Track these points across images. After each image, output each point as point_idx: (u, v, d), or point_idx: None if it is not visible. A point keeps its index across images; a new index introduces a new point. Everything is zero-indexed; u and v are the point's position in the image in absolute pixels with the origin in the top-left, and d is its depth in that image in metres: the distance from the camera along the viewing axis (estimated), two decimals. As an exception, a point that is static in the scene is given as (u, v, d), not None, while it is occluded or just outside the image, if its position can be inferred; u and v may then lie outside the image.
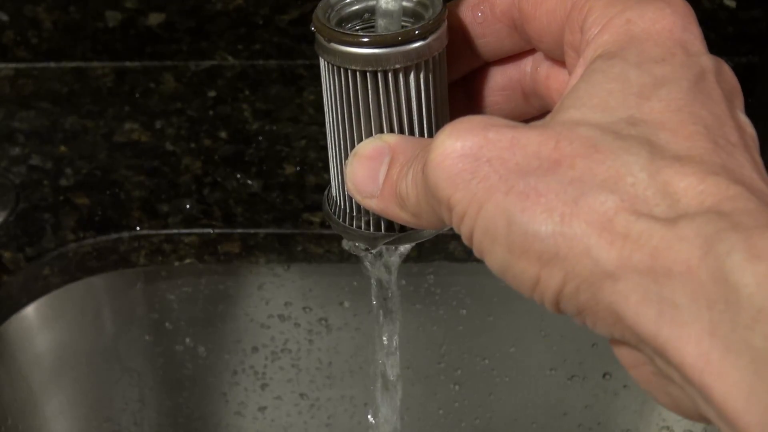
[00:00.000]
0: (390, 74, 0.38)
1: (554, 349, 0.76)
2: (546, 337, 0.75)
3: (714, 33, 0.79)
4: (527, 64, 0.41)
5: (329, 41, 0.38)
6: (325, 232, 0.70)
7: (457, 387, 0.78)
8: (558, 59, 0.39)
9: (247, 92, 0.79)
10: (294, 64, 0.81)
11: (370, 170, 0.38)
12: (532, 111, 0.42)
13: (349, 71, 0.38)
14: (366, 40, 0.38)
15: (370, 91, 0.39)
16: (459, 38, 0.40)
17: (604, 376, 0.77)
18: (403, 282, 0.73)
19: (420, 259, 0.71)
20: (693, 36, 0.34)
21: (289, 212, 0.70)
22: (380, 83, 0.38)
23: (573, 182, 0.31)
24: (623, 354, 0.32)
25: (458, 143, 0.32)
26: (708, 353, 0.28)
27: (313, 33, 0.39)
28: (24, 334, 0.71)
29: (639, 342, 0.30)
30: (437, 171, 0.33)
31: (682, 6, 0.35)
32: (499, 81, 0.42)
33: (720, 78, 0.34)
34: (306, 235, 0.70)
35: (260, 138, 0.75)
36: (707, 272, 0.28)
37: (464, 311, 0.75)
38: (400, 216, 0.37)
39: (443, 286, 0.74)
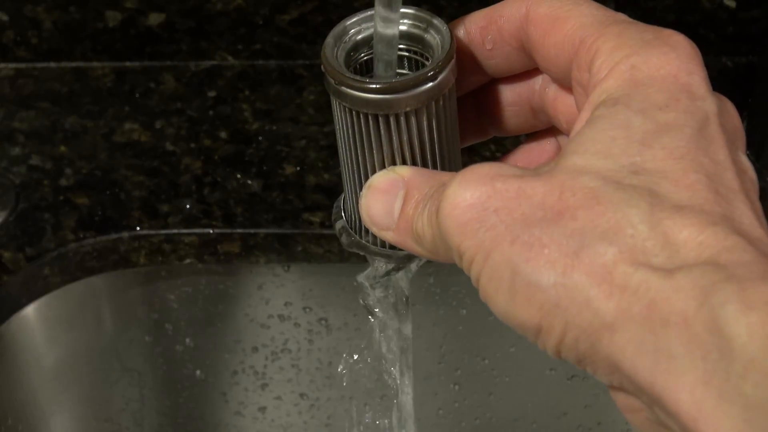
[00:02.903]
0: (402, 116, 0.38)
1: (554, 349, 0.76)
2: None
3: (714, 33, 0.79)
4: (536, 82, 0.41)
5: (339, 84, 0.38)
6: (325, 232, 0.70)
7: (457, 387, 0.78)
8: (566, 86, 0.39)
9: (247, 92, 0.79)
10: (294, 64, 0.81)
11: (384, 203, 0.38)
12: (540, 125, 0.42)
13: (360, 114, 0.38)
14: (376, 86, 0.38)
15: (381, 131, 0.39)
16: (467, 58, 0.40)
17: (604, 376, 0.77)
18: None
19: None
20: (698, 79, 0.34)
21: (289, 212, 0.70)
22: (392, 125, 0.38)
23: (574, 234, 0.31)
24: (620, 399, 0.32)
25: (467, 193, 0.33)
26: (702, 402, 0.28)
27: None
28: (24, 334, 0.71)
29: (636, 390, 0.31)
30: (448, 220, 0.34)
31: (687, 49, 0.35)
32: (508, 97, 0.42)
33: (723, 120, 0.34)
34: (306, 235, 0.70)
35: (260, 138, 0.75)
36: (702, 323, 0.29)
37: (464, 311, 0.75)
38: (417, 250, 0.38)
39: (443, 286, 0.74)
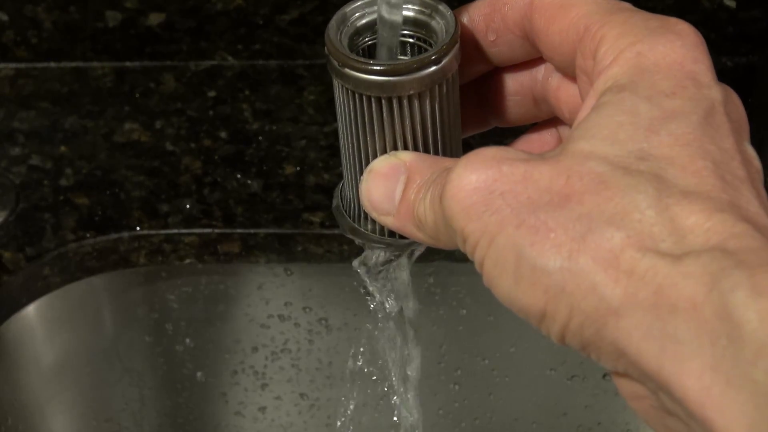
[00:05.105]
0: (405, 100, 0.38)
1: (554, 349, 0.76)
2: (546, 337, 0.75)
3: (714, 33, 0.79)
4: (539, 72, 0.41)
5: (343, 66, 0.38)
6: (325, 232, 0.70)
7: (457, 387, 0.78)
8: (569, 74, 0.39)
9: (247, 92, 0.79)
10: (294, 64, 0.81)
11: (385, 188, 0.38)
12: (542, 115, 0.42)
13: (363, 96, 0.38)
14: (380, 68, 0.37)
15: (384, 115, 0.38)
16: (470, 46, 0.40)
17: (604, 376, 0.77)
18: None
19: (420, 259, 0.71)
20: (704, 67, 0.34)
21: (289, 212, 0.70)
22: (395, 108, 0.38)
23: (581, 218, 0.31)
24: (624, 386, 0.32)
25: (473, 176, 0.33)
26: (709, 388, 0.28)
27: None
28: (24, 334, 0.71)
29: (642, 376, 0.30)
30: (452, 203, 0.33)
31: (692, 37, 0.35)
32: (510, 86, 0.42)
33: (728, 109, 0.34)
34: (306, 235, 0.70)
35: (260, 138, 0.75)
36: (711, 309, 0.29)
37: (464, 311, 0.75)
38: (418, 236, 0.38)
39: (443, 286, 0.74)
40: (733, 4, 0.78)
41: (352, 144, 0.40)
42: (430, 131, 0.39)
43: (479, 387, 0.78)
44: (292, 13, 0.79)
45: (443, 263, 0.72)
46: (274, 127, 0.76)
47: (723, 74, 0.78)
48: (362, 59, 0.38)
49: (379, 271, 0.45)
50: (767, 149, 0.72)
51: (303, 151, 0.74)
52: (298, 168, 0.73)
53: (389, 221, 0.38)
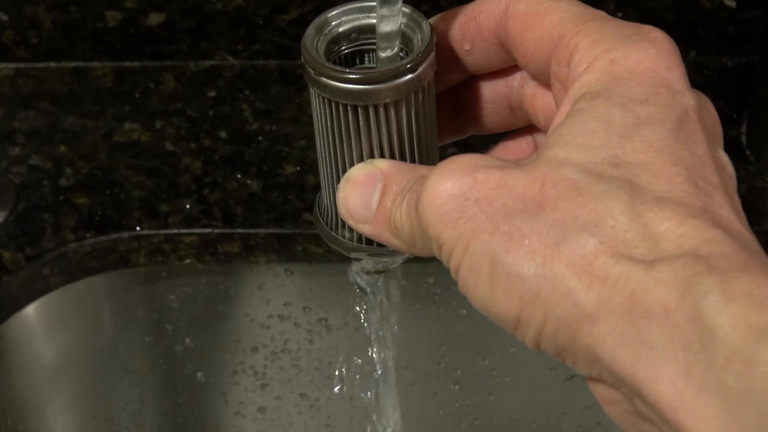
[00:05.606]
0: (381, 108, 0.38)
1: (554, 349, 0.76)
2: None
3: (714, 33, 0.79)
4: (515, 79, 0.41)
5: (319, 75, 0.38)
6: (325, 232, 0.70)
7: (457, 387, 0.78)
8: (544, 82, 0.39)
9: (247, 92, 0.79)
10: (294, 64, 0.81)
11: (362, 196, 0.38)
12: (518, 123, 0.42)
13: (339, 105, 0.38)
14: (356, 76, 0.38)
15: (360, 123, 0.39)
16: (446, 54, 0.40)
17: (604, 376, 0.77)
18: (404, 282, 0.73)
19: (420, 259, 0.71)
20: (677, 74, 0.35)
21: (289, 212, 0.70)
22: (371, 116, 0.38)
23: (555, 224, 0.31)
24: (598, 391, 0.32)
25: (448, 183, 0.33)
26: (682, 393, 0.28)
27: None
28: (24, 334, 0.71)
29: (616, 381, 0.31)
30: (428, 210, 0.34)
31: (666, 44, 0.35)
32: (486, 94, 0.42)
33: (702, 115, 0.34)
34: (306, 235, 0.70)
35: (260, 138, 0.75)
36: (684, 314, 0.29)
37: (464, 311, 0.75)
38: (394, 243, 0.38)
39: (443, 286, 0.74)
40: (733, 4, 0.78)
41: (329, 152, 0.40)
42: (406, 139, 0.39)
43: (479, 387, 0.78)
44: (292, 13, 0.79)
45: (443, 263, 0.71)
46: (274, 127, 0.76)
47: (723, 74, 0.78)
48: (338, 68, 0.38)
49: (368, 280, 0.45)
50: (767, 149, 0.72)
51: (303, 151, 0.74)
52: (298, 168, 0.73)
53: (366, 229, 0.39)
